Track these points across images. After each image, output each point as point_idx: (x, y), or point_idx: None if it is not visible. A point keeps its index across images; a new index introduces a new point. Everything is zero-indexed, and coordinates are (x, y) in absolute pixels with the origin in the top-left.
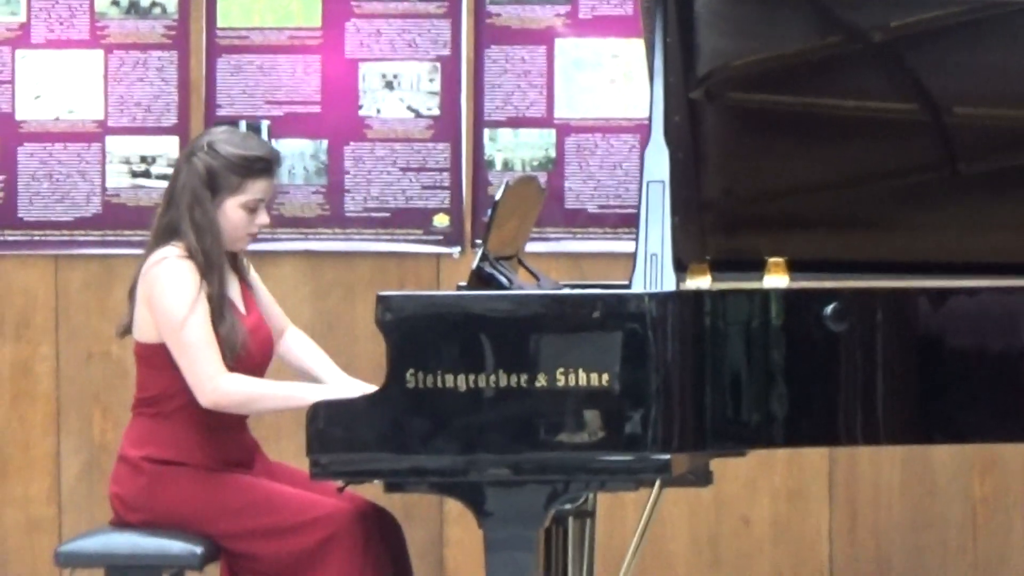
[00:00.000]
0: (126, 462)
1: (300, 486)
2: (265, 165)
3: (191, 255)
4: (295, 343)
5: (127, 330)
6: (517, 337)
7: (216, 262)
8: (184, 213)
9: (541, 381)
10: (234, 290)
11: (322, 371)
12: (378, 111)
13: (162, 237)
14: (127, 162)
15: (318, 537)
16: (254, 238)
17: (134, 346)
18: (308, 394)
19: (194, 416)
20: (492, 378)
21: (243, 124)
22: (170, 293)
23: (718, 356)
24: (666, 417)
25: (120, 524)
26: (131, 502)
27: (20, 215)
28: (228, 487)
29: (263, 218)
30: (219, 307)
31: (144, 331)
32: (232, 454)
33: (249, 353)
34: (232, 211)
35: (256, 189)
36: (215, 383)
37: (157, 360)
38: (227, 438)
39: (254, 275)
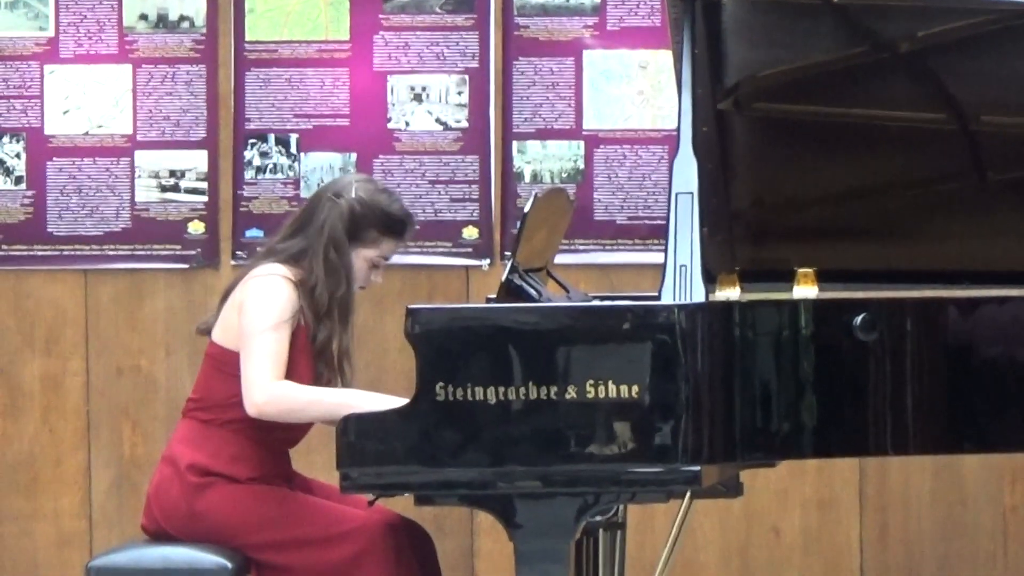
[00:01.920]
0: (171, 465)
1: (333, 499)
2: (403, 228)
3: (301, 284)
4: None
5: (207, 330)
6: (546, 349)
7: (344, 310)
8: (318, 250)
9: (571, 393)
10: (342, 333)
11: None
12: (407, 124)
13: (274, 258)
14: (156, 176)
15: (351, 550)
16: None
17: (209, 347)
18: (352, 401)
19: (246, 432)
20: (522, 390)
21: (272, 138)
22: (264, 304)
23: (747, 367)
24: (696, 428)
25: (150, 528)
26: (167, 508)
27: (49, 230)
28: (262, 498)
29: (379, 278)
30: (336, 354)
31: (225, 335)
32: (273, 473)
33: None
34: (359, 262)
35: (387, 248)
36: (264, 387)
37: (229, 367)
38: (272, 459)
39: None
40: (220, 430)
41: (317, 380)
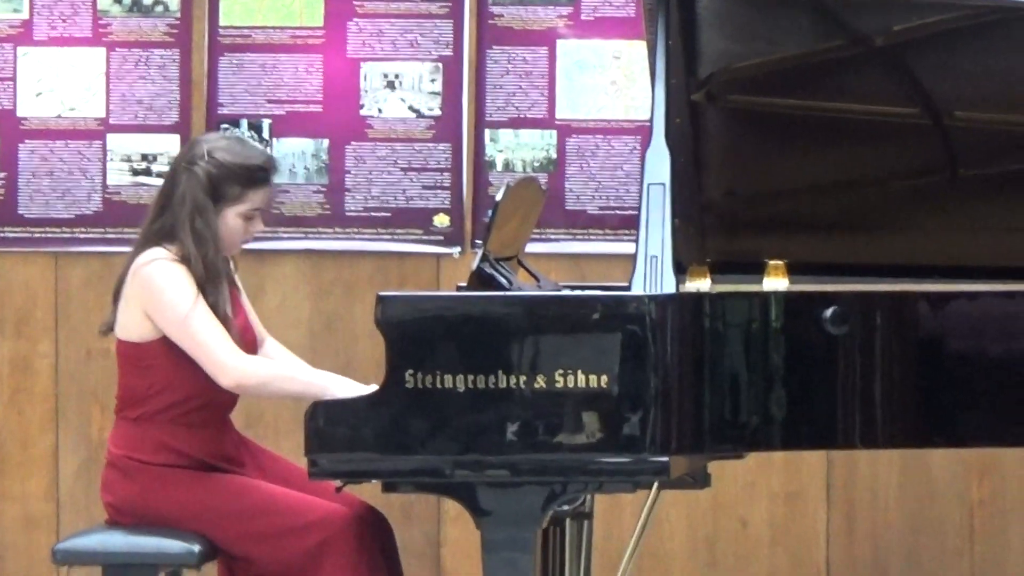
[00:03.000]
0: (115, 467)
1: (294, 481)
2: (266, 175)
3: (184, 260)
4: (274, 356)
5: (110, 328)
6: (516, 338)
7: (217, 273)
8: (184, 221)
9: (540, 382)
10: (224, 294)
11: None
12: (379, 111)
13: (151, 241)
14: (128, 160)
15: (314, 540)
16: (246, 244)
17: (117, 345)
18: (328, 384)
19: (178, 416)
20: (491, 379)
21: (244, 123)
22: (169, 291)
23: (717, 358)
24: (665, 419)
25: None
26: (124, 508)
27: (21, 212)
28: (222, 491)
29: (259, 225)
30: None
31: (129, 330)
32: (219, 451)
33: None
34: (231, 220)
35: (256, 198)
36: (237, 363)
37: (141, 359)
38: (213, 435)
39: (236, 278)
40: (151, 424)
41: None
